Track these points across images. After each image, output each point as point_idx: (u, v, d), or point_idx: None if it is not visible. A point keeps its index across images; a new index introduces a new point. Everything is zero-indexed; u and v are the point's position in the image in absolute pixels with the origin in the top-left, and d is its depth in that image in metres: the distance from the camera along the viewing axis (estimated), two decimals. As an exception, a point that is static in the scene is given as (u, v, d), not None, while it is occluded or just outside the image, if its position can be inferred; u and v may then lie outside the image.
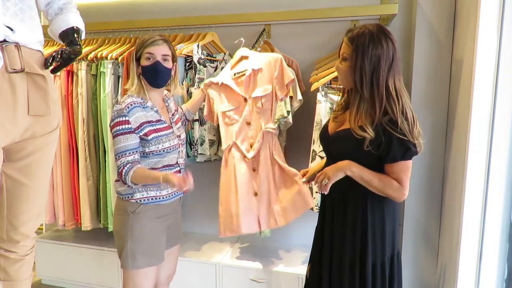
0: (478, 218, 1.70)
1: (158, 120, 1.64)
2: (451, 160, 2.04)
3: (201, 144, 2.25)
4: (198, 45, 2.16)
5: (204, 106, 2.06)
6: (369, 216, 1.41)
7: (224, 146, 2.05)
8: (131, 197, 1.62)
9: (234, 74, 2.02)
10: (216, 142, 2.33)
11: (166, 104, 1.77)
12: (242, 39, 2.21)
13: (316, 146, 2.05)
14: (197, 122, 2.24)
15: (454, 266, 1.79)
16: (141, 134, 1.58)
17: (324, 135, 1.54)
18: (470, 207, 1.70)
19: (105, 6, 2.70)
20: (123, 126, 1.56)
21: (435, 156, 2.16)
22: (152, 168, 1.63)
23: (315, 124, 2.08)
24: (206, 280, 2.34)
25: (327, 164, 1.53)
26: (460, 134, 1.86)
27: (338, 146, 1.45)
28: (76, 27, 1.47)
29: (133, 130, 1.56)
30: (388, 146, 1.32)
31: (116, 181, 1.67)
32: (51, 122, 1.44)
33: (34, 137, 1.39)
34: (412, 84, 2.13)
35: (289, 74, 1.95)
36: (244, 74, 1.99)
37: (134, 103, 1.59)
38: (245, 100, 2.01)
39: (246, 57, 2.04)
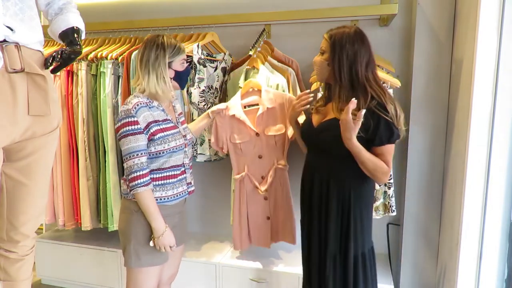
0: (478, 218, 1.70)
1: (165, 120, 1.64)
2: (451, 160, 2.04)
3: (201, 144, 2.25)
4: (198, 45, 2.16)
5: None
6: (352, 210, 1.49)
7: (236, 175, 2.13)
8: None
9: (245, 107, 2.05)
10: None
11: (173, 104, 1.78)
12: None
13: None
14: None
15: (454, 266, 1.79)
16: (148, 134, 1.58)
17: (309, 128, 1.60)
18: (470, 207, 1.70)
19: (105, 6, 2.70)
20: (133, 127, 1.55)
21: (435, 156, 2.16)
22: (159, 169, 1.63)
23: (315, 124, 2.09)
24: (206, 280, 2.34)
25: (311, 157, 1.61)
26: (460, 134, 1.86)
27: (325, 136, 1.51)
28: (76, 27, 1.47)
29: (142, 130, 1.56)
30: (376, 129, 1.40)
31: (123, 180, 1.67)
32: (51, 122, 1.44)
33: (34, 137, 1.39)
34: (412, 84, 2.13)
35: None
36: (256, 108, 2.04)
37: (141, 103, 1.58)
38: (257, 134, 2.05)
39: (257, 91, 2.06)
